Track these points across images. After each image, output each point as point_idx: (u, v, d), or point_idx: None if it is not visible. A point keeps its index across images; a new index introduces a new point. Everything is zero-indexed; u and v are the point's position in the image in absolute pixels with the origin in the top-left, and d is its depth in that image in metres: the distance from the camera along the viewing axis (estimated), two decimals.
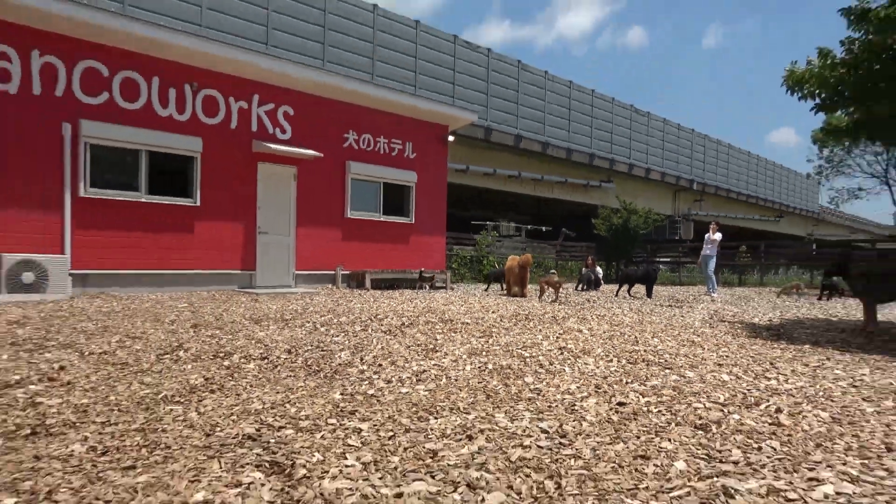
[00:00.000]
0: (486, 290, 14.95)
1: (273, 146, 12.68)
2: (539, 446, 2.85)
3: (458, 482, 2.40)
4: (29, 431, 3.04)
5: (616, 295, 13.97)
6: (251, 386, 4.03)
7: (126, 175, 11.17)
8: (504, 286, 14.45)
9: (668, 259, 28.72)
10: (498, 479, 2.45)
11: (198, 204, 11.89)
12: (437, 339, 5.79)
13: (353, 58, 20.32)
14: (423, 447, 2.81)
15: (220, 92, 12.25)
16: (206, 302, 9.48)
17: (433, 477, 2.46)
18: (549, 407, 3.52)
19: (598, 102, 29.40)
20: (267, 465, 2.57)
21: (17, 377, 4.11)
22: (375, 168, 14.75)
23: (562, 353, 5.14)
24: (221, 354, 5.02)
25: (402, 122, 15.40)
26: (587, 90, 28.89)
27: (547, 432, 3.05)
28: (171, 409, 3.44)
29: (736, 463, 2.67)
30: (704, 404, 3.59)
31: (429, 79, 22.53)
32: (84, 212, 10.57)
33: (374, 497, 2.25)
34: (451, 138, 16.78)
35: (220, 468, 2.54)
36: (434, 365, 4.64)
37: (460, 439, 2.94)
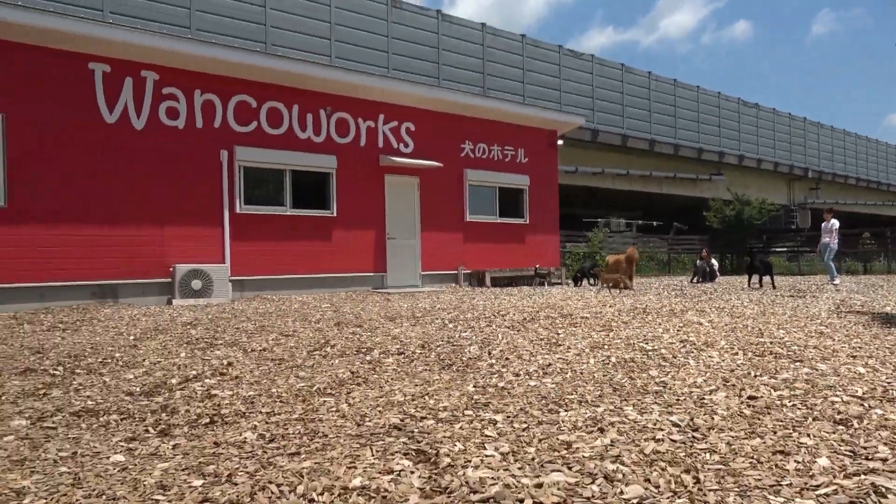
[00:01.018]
0: (578, 285, 14.56)
1: (397, 159, 12.99)
2: (672, 440, 2.70)
3: (595, 474, 2.31)
4: (208, 420, 3.24)
5: (748, 286, 13.19)
6: (392, 379, 4.11)
7: (273, 192, 11.81)
8: (596, 281, 14.22)
9: (785, 249, 26.76)
10: (634, 471, 2.34)
11: (335, 214, 12.39)
12: (558, 334, 5.68)
13: (464, 74, 20.47)
14: (557, 439, 2.74)
15: (350, 114, 12.70)
16: (345, 302, 9.84)
17: (570, 468, 2.38)
18: (678, 400, 3.34)
19: (704, 98, 27.93)
20: (413, 453, 2.60)
21: (195, 372, 4.42)
22: (490, 174, 14.75)
23: (684, 346, 4.88)
24: (363, 350, 5.16)
25: (514, 129, 15.31)
26: (692, 87, 27.53)
27: (678, 426, 2.89)
28: (325, 401, 3.57)
29: (884, 460, 2.41)
30: (842, 398, 3.28)
31: (536, 87, 22.29)
32: (239, 225, 11.28)
33: (516, 487, 2.21)
34: (559, 142, 16.49)
35: (372, 455, 2.59)
36: (558, 358, 4.54)
37: (591, 431, 2.84)
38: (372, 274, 12.91)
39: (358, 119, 12.82)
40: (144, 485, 2.31)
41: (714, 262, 16.91)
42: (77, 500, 2.19)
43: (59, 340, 6.07)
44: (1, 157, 9.28)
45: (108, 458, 2.66)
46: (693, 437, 2.74)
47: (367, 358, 4.84)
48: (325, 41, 17.75)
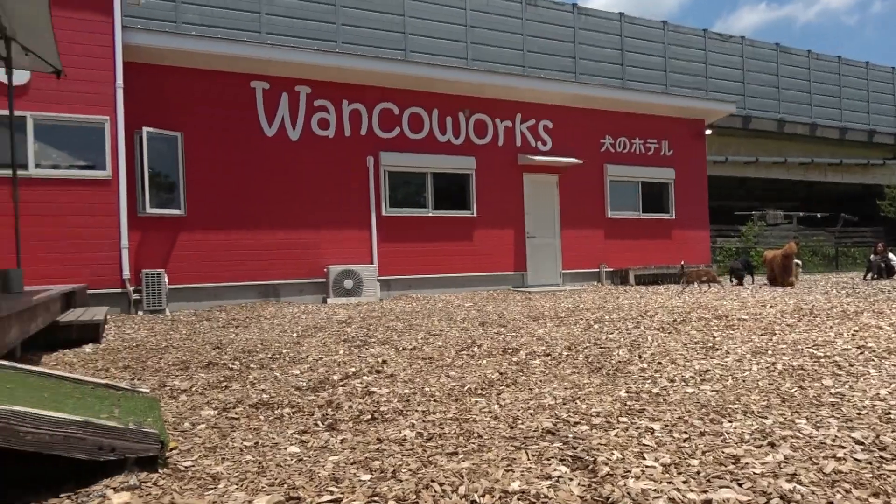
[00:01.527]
0: (733, 284, 13.56)
1: (536, 158, 12.92)
2: (855, 459, 2.47)
3: (770, 493, 2.17)
4: (369, 417, 3.43)
5: None
6: (540, 381, 4.10)
7: (416, 194, 12.21)
8: (753, 279, 13.31)
9: None
10: (813, 492, 2.17)
11: (475, 214, 12.57)
12: (714, 337, 5.38)
13: (602, 66, 19.92)
14: (722, 452, 2.60)
15: (488, 115, 12.83)
16: (487, 301, 9.96)
17: (740, 485, 2.25)
18: (859, 414, 3.04)
19: (875, 75, 25.11)
20: (570, 459, 2.58)
21: (353, 369, 4.69)
22: (632, 168, 14.25)
23: (862, 353, 4.43)
24: (509, 350, 5.20)
25: (656, 121, 14.66)
26: (860, 63, 24.85)
27: (862, 443, 2.63)
28: (476, 402, 3.64)
29: None
30: None
31: (679, 76, 21.20)
32: (385, 228, 11.79)
33: (682, 501, 2.13)
34: (707, 131, 15.56)
35: (528, 459, 2.61)
36: (717, 364, 4.30)
37: (761, 446, 2.66)
38: (512, 273, 12.96)
39: (496, 119, 12.92)
40: (319, 476, 2.49)
41: (891, 256, 15.16)
42: (262, 487, 2.41)
43: (233, 337, 6.69)
44: (181, 171, 10.38)
45: (285, 449, 2.89)
46: (880, 456, 2.48)
47: (514, 359, 4.87)
48: (461, 44, 18.05)
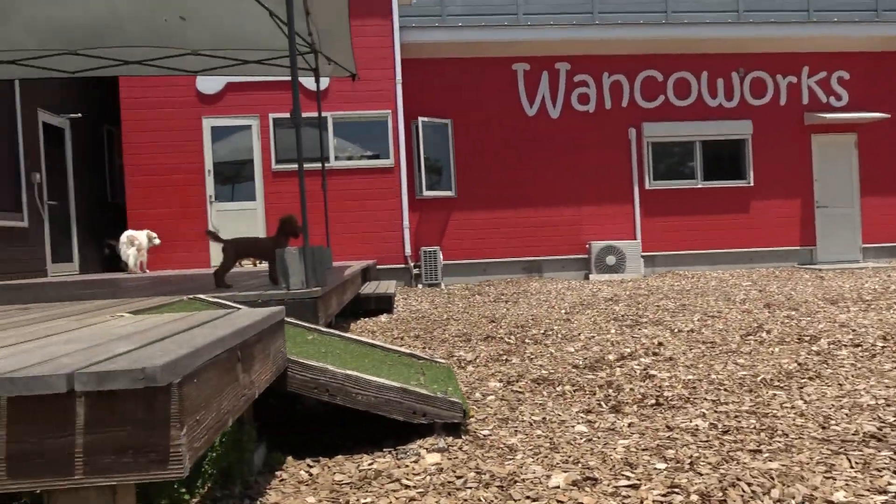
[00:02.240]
0: None
1: (828, 116, 11.25)
2: None
3: None
4: (653, 402, 3.33)
5: None
6: (851, 376, 3.59)
7: (682, 165, 11.49)
8: None
9: None
10: None
11: (751, 184, 11.44)
12: None
13: None
14: None
15: (766, 72, 11.50)
16: (769, 280, 9.02)
17: None
18: None
19: None
20: None
21: (628, 350, 4.60)
22: None
23: None
24: (806, 338, 4.64)
25: None
26: None
27: None
28: (774, 395, 3.32)
29: None
30: None
31: None
32: (648, 202, 11.31)
33: None
34: None
35: (851, 467, 2.30)
36: None
37: None
38: (797, 248, 11.54)
39: (776, 76, 11.52)
40: (612, 459, 2.49)
41: None
42: (557, 463, 2.48)
43: (505, 311, 7.02)
44: (451, 155, 11.13)
45: (572, 427, 2.95)
46: None
47: (814, 348, 4.33)
48: None
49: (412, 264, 10.64)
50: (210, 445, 1.81)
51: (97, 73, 7.51)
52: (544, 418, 3.11)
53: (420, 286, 10.58)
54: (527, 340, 5.19)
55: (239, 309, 2.72)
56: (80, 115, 10.37)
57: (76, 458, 1.29)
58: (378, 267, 10.28)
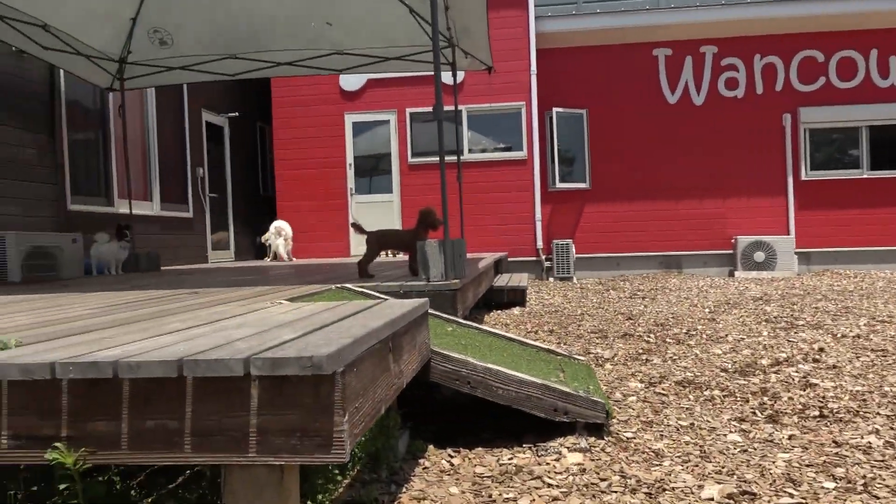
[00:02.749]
0: None
1: None
2: None
3: None
4: (816, 413, 3.05)
5: None
6: None
7: (843, 154, 10.44)
8: None
9: None
10: None
11: None
12: None
13: None
14: None
15: None
16: None
17: None
18: None
19: None
20: None
21: (784, 355, 4.24)
22: None
23: None
24: None
25: None
26: None
27: None
28: None
29: None
30: None
31: None
32: (804, 194, 10.40)
33: None
34: None
35: None
36: None
37: None
38: None
39: None
40: (772, 474, 2.30)
41: None
42: (709, 474, 2.34)
43: (642, 308, 6.74)
44: (586, 146, 10.85)
45: (724, 435, 2.77)
46: None
47: None
48: None
49: (544, 257, 10.52)
50: (365, 432, 1.88)
51: (253, 76, 8.09)
52: (692, 424, 2.95)
53: (551, 280, 10.44)
54: (668, 340, 4.95)
55: (386, 300, 2.81)
56: (237, 113, 11.26)
57: (250, 437, 1.39)
58: (509, 259, 10.27)
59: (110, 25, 6.99)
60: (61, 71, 7.13)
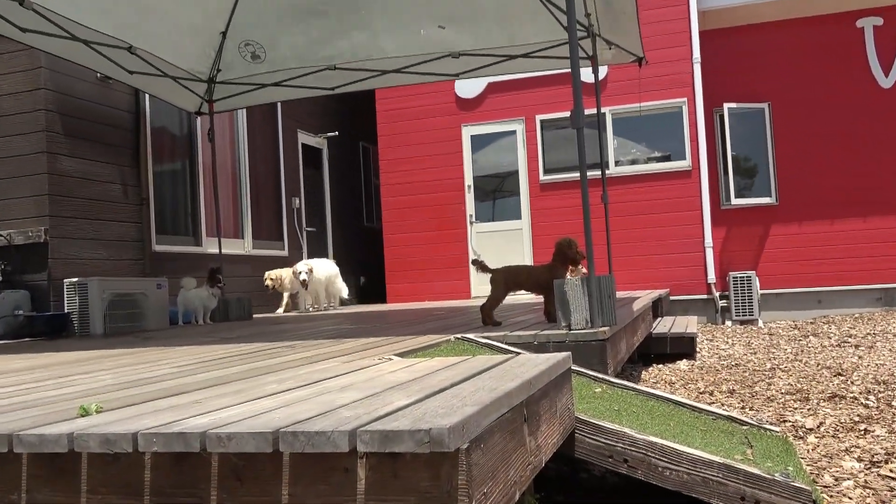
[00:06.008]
0: None
1: None
2: None
3: None
4: None
5: None
6: None
7: None
8: None
9: None
10: None
11: None
12: None
13: None
14: None
15: None
16: None
17: None
18: None
19: None
20: None
21: None
22: None
23: None
24: None
25: None
26: None
27: None
28: None
29: None
30: None
31: None
32: None
33: None
34: None
35: None
36: None
37: None
38: None
39: None
40: None
41: None
42: None
43: (856, 360, 6.25)
44: (769, 149, 10.37)
45: None
46: None
47: None
48: None
49: (717, 294, 10.06)
50: None
51: (356, 88, 8.47)
52: None
53: (729, 323, 9.95)
54: (894, 403, 4.55)
55: (517, 354, 2.79)
56: (336, 133, 11.82)
57: None
58: (671, 298, 9.91)
59: (199, 41, 7.63)
60: (146, 97, 7.84)
